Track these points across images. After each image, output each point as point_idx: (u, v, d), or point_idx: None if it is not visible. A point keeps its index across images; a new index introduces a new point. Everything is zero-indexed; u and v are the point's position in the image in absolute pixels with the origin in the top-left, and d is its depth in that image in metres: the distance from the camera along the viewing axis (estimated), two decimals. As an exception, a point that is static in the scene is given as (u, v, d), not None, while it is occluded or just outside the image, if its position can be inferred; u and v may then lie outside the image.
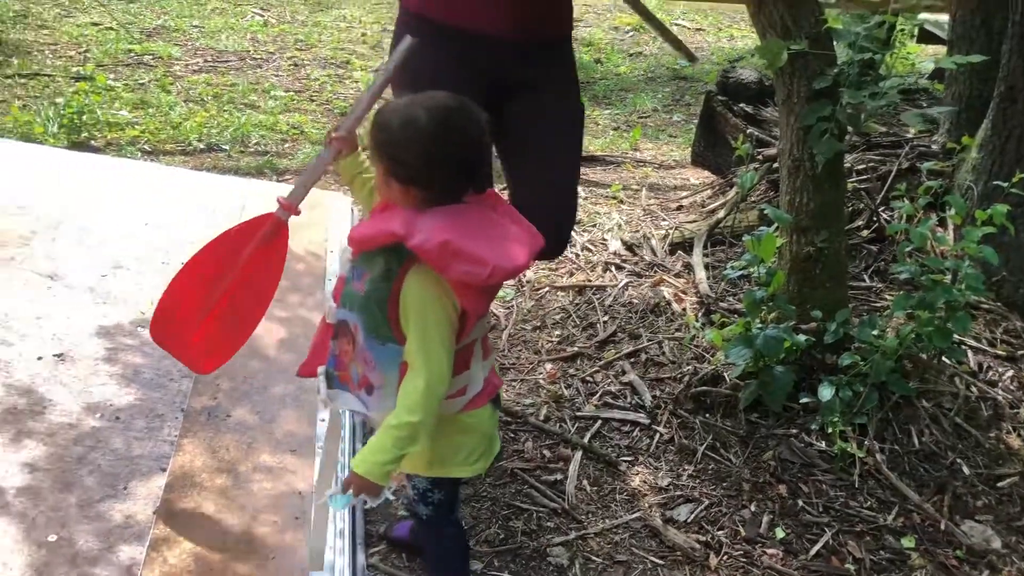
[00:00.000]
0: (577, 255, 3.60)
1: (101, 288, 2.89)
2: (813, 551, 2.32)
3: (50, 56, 6.03)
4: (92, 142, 4.58)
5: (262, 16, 7.61)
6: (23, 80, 5.48)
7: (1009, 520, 2.43)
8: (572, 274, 3.48)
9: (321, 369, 1.74)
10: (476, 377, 1.71)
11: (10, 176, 3.49)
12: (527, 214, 1.67)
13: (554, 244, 2.28)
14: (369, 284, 1.60)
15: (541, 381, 2.91)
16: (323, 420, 2.49)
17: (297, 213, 1.96)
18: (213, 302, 2.03)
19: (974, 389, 2.76)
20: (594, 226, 3.87)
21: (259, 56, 6.46)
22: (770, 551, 2.33)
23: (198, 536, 2.02)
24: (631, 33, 7.91)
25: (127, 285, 2.93)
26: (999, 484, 2.52)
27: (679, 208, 4.14)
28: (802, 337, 2.64)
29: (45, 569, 1.89)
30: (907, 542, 2.34)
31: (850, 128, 2.62)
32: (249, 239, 1.98)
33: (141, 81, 5.65)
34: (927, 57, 6.27)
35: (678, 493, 2.50)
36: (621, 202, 4.21)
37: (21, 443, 2.22)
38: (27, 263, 2.92)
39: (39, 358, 2.52)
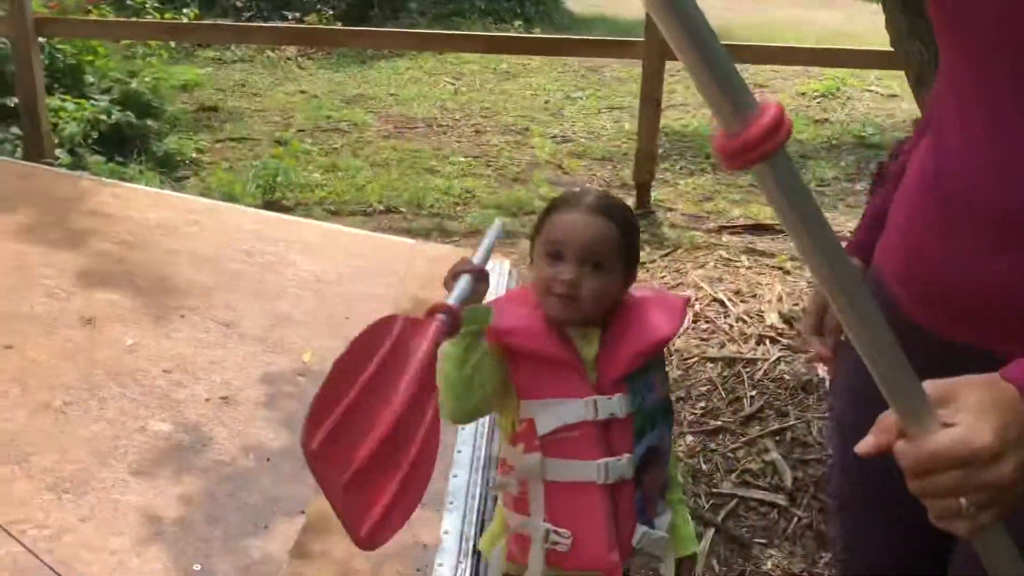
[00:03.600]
0: (731, 326, 3.53)
1: (270, 338, 3.13)
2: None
3: (259, 121, 6.62)
4: (283, 202, 4.99)
5: (454, 85, 8.02)
6: (232, 143, 6.05)
7: None
8: (723, 345, 3.42)
9: (641, 532, 1.51)
10: None
11: (203, 232, 3.85)
12: None
13: None
14: (663, 382, 1.55)
15: (680, 454, 2.86)
16: (455, 476, 2.56)
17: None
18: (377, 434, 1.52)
19: None
20: (753, 296, 3.79)
21: (445, 123, 6.81)
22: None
23: (324, 579, 2.12)
24: (818, 100, 7.74)
25: (293, 336, 3.14)
26: None
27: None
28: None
29: (185, 596, 2.06)
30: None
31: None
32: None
33: (335, 145, 6.10)
34: None
35: (812, 582, 2.39)
36: (787, 273, 4.10)
37: (180, 478, 2.42)
38: (208, 312, 3.21)
39: (207, 399, 2.75)
